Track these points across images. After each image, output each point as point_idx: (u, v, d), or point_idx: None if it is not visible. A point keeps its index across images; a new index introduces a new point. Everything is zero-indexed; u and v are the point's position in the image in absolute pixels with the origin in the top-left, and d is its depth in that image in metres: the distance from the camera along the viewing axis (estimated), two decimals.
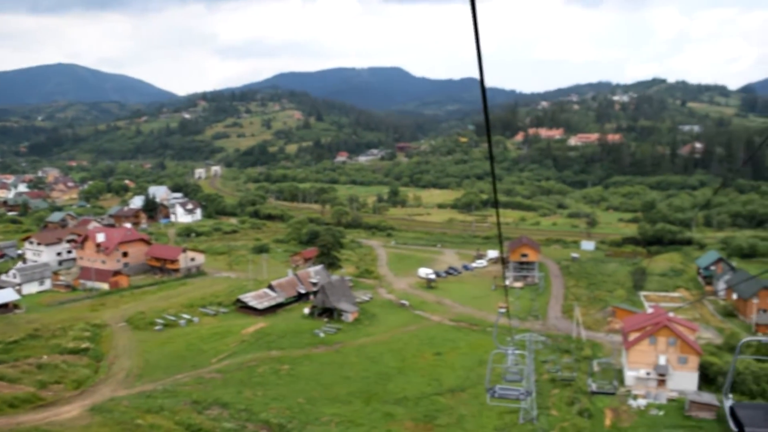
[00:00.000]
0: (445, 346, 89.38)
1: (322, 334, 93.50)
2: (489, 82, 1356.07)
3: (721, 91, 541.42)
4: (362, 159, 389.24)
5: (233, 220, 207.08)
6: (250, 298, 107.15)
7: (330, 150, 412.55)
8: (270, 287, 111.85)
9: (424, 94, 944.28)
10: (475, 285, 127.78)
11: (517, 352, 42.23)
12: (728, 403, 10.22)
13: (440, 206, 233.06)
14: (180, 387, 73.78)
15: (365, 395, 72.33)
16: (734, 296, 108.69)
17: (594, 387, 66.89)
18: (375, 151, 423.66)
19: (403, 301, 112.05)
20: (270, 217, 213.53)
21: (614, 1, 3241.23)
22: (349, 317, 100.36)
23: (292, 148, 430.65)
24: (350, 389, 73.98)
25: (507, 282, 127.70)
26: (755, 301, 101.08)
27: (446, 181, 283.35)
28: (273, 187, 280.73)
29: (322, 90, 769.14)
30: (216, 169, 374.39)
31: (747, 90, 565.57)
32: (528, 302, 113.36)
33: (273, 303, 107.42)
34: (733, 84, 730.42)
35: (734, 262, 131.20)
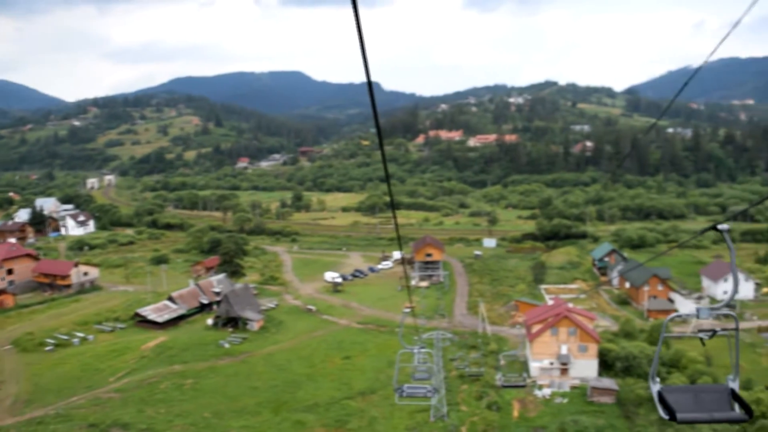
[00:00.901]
0: (353, 349, 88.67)
1: (227, 345, 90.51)
2: (389, 86, 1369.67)
3: (608, 92, 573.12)
4: (264, 164, 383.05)
5: (129, 231, 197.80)
6: (149, 312, 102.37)
7: (230, 156, 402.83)
8: (170, 299, 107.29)
9: (325, 98, 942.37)
10: (381, 287, 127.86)
11: (424, 350, 41.92)
12: (656, 387, 8.84)
13: (344, 209, 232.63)
14: (75, 410, 69.11)
15: (274, 404, 70.44)
16: (627, 285, 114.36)
17: (504, 381, 68.12)
18: (277, 156, 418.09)
19: (310, 307, 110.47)
20: (169, 227, 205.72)
21: (510, 6, 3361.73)
22: (255, 326, 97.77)
23: (190, 155, 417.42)
24: (258, 399, 71.85)
25: (413, 282, 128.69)
26: (646, 288, 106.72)
27: (350, 185, 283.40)
28: (171, 195, 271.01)
29: (221, 95, 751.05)
30: (110, 178, 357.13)
31: (631, 91, 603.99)
32: (434, 301, 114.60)
33: (174, 315, 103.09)
34: (619, 86, 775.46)
35: (626, 253, 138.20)
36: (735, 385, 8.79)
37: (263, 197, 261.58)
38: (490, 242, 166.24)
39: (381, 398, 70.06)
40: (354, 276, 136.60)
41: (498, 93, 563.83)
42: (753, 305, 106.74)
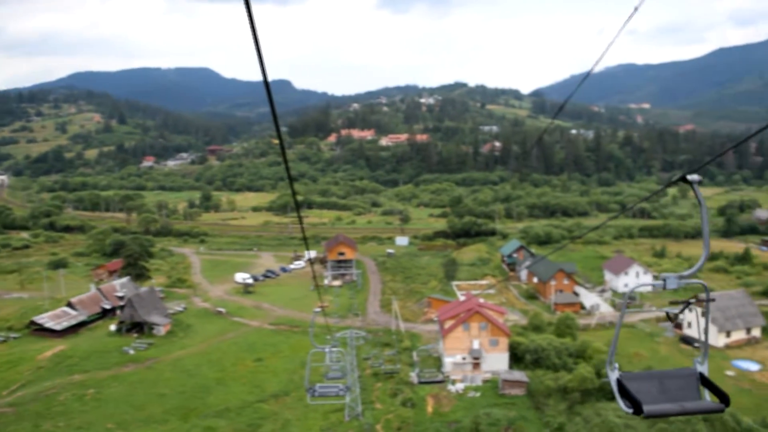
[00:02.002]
0: (266, 351, 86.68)
1: (132, 351, 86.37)
2: (301, 84, 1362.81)
3: (515, 94, 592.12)
4: (171, 163, 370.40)
5: (24, 234, 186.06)
6: (46, 319, 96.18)
7: (135, 155, 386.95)
8: (69, 305, 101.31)
9: (235, 96, 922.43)
10: (293, 287, 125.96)
11: (336, 349, 41.20)
12: (614, 375, 7.41)
13: (255, 209, 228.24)
14: None
15: (183, 411, 67.66)
16: (535, 280, 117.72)
17: (421, 377, 68.23)
18: (185, 154, 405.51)
19: (220, 309, 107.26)
20: (68, 229, 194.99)
21: (422, 8, 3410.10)
22: (162, 330, 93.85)
23: (91, 154, 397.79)
24: (166, 407, 68.80)
25: (326, 281, 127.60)
26: (553, 282, 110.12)
27: (261, 184, 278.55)
28: (71, 196, 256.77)
29: (124, 91, 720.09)
30: (2, 178, 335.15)
31: (537, 94, 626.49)
32: (348, 300, 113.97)
33: (74, 322, 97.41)
34: (526, 88, 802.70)
35: (533, 249, 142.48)
36: (704, 368, 7.59)
37: (170, 197, 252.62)
38: (402, 240, 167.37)
39: (295, 400, 68.67)
40: (265, 276, 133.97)
41: (409, 93, 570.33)
42: (652, 297, 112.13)
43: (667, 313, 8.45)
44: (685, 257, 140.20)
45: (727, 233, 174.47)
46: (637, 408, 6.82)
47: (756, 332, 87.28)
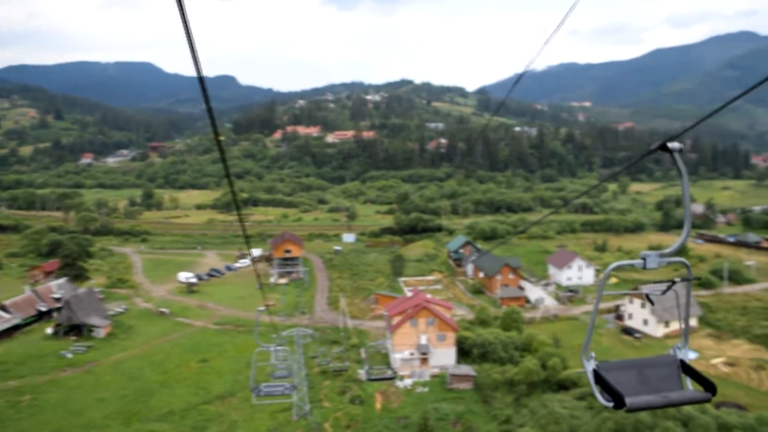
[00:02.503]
0: (211, 351, 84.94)
1: (69, 355, 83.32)
2: (246, 81, 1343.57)
3: (461, 92, 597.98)
4: (111, 160, 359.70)
5: None
6: None
7: (73, 151, 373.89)
8: (2, 308, 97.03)
9: (177, 91, 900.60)
10: (239, 285, 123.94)
11: (281, 348, 40.57)
12: (590, 365, 6.60)
13: (199, 207, 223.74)
14: None
15: (124, 416, 65.57)
16: (481, 275, 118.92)
17: (371, 374, 67.73)
18: (125, 151, 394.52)
19: (163, 309, 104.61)
20: (1, 229, 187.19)
21: (368, 4, 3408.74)
22: (101, 332, 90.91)
23: (26, 150, 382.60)
24: (106, 412, 66.56)
25: (272, 279, 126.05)
26: (498, 277, 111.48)
27: (205, 181, 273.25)
28: (4, 194, 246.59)
29: (61, 85, 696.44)
30: None
31: (482, 92, 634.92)
32: (294, 298, 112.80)
33: (7, 326, 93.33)
34: (471, 86, 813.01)
35: (479, 244, 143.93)
36: (684, 354, 6.85)
37: (110, 195, 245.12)
38: (349, 237, 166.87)
39: (241, 401, 67.40)
40: (210, 275, 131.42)
41: (355, 90, 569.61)
42: (593, 290, 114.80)
43: (647, 295, 7.86)
44: (626, 251, 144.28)
45: (664, 227, 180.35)
46: (618, 401, 6.10)
47: (693, 322, 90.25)
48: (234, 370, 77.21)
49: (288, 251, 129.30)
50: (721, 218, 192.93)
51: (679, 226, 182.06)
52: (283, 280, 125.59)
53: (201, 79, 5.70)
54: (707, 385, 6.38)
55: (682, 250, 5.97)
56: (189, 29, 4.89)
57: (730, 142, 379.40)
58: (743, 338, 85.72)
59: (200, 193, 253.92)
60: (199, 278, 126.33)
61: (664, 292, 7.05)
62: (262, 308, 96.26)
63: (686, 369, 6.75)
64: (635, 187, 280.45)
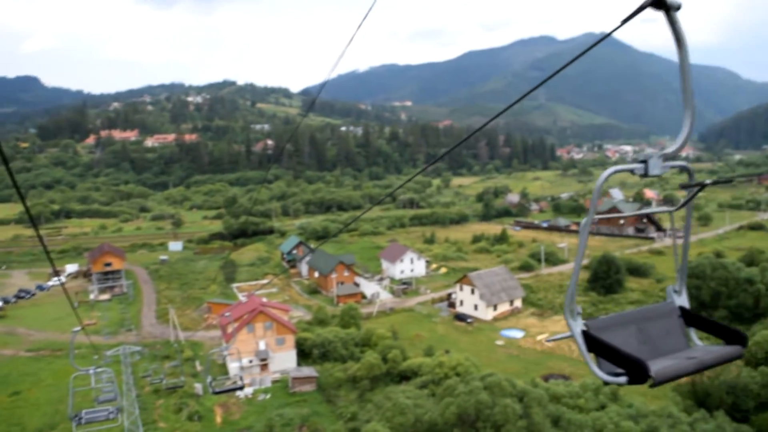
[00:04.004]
0: (23, 382, 75.76)
1: None
2: (53, 82, 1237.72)
3: (285, 93, 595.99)
4: None
5: None
6: None
7: None
8: None
9: None
10: (54, 305, 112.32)
11: (100, 369, 36.54)
12: (577, 325, 4.51)
13: (2, 222, 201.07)
14: None
15: None
16: (316, 274, 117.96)
17: (215, 386, 63.69)
18: None
19: None
20: None
21: (186, 3, 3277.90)
22: None
23: None
24: None
25: (92, 296, 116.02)
26: (334, 275, 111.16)
27: (7, 193, 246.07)
28: None
29: None
30: None
31: (306, 92, 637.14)
32: (119, 314, 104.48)
33: None
34: (295, 87, 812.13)
35: (312, 244, 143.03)
36: (683, 300, 5.16)
37: None
38: (176, 245, 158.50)
39: None
40: (18, 297, 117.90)
41: (175, 91, 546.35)
42: (426, 280, 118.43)
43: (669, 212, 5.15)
44: (453, 241, 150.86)
45: (485, 217, 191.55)
46: (637, 372, 4.14)
47: (518, 303, 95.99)
48: (53, 399, 69.39)
49: (108, 264, 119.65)
50: (534, 206, 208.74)
51: (499, 215, 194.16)
52: (104, 296, 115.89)
53: None
54: (732, 335, 4.70)
55: (676, 156, 4.19)
56: None
57: (537, 137, 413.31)
58: (562, 314, 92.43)
59: (3, 206, 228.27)
60: (6, 301, 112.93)
61: (684, 204, 4.91)
62: (77, 329, 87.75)
63: (690, 318, 5.12)
64: (457, 181, 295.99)
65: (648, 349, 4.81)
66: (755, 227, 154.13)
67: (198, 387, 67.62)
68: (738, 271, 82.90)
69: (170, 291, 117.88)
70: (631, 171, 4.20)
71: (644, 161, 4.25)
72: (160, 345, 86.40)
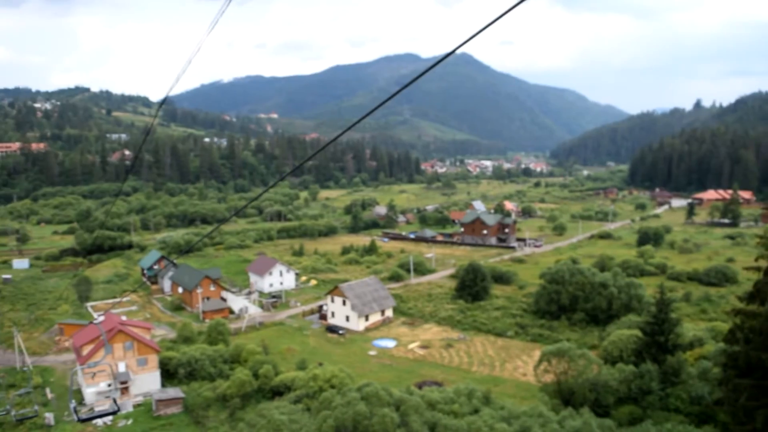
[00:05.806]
0: None
1: None
2: None
3: (144, 101, 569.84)
4: None
5: None
6: None
7: None
8: None
9: None
10: None
11: None
12: None
13: None
14: None
15: None
16: (180, 290, 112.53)
17: (80, 414, 58.13)
18: None
19: None
20: None
21: (37, 2, 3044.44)
22: None
23: None
24: None
25: None
26: (199, 290, 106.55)
27: None
28: None
29: None
30: None
31: (167, 102, 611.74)
32: None
33: None
34: (155, 96, 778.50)
35: (175, 259, 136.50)
36: None
37: None
38: (21, 263, 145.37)
39: None
40: None
41: (21, 97, 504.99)
42: (296, 293, 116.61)
43: None
44: (322, 253, 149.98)
45: (354, 228, 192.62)
46: None
47: (389, 313, 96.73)
48: None
49: None
50: (401, 218, 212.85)
51: (367, 227, 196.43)
52: None
53: None
54: None
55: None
56: None
57: (403, 151, 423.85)
58: (432, 322, 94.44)
59: None
60: None
61: None
62: None
63: None
64: (324, 193, 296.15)
65: None
66: (604, 236, 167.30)
67: (49, 417, 61.87)
68: (593, 276, 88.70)
69: (15, 313, 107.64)
70: None
71: None
72: (4, 373, 78.34)
